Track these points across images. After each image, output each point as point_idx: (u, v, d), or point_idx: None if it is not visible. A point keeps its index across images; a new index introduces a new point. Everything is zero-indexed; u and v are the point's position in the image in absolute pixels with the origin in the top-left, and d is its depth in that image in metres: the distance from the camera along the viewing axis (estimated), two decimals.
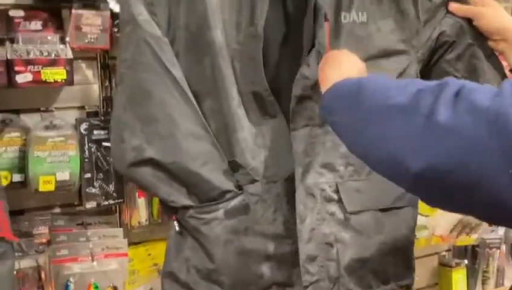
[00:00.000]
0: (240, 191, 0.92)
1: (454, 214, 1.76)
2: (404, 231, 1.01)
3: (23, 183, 1.19)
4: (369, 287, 0.97)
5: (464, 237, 1.79)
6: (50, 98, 1.26)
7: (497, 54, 1.00)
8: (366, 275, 0.97)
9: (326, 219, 0.94)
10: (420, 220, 1.66)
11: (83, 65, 1.28)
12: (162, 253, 1.00)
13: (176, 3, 0.90)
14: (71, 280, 1.20)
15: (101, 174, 1.25)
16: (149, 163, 0.89)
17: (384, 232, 0.98)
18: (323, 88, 0.78)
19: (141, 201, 1.33)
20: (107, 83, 1.29)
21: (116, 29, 1.21)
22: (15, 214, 1.23)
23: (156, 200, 1.34)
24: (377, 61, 0.96)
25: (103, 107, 1.29)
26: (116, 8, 1.20)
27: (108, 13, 1.20)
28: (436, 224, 1.70)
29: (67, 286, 1.20)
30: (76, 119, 1.26)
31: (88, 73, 1.29)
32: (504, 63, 1.01)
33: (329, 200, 0.94)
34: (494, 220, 0.59)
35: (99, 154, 1.25)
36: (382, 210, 0.98)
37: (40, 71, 1.13)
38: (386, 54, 0.97)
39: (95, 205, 1.26)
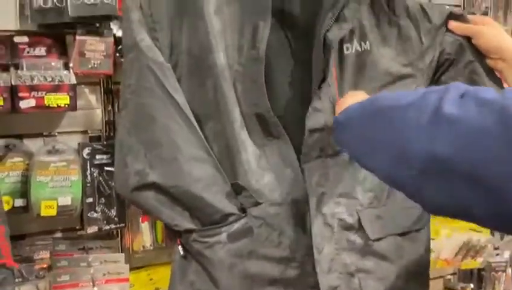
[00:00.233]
0: (244, 214, 0.91)
1: (459, 236, 1.75)
2: (423, 252, 1.00)
3: (25, 208, 1.19)
4: None
5: (469, 260, 1.77)
6: (53, 123, 1.27)
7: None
8: None
9: (345, 249, 0.93)
10: None
11: (86, 90, 1.30)
12: (164, 277, 1.00)
13: (178, 28, 0.91)
14: None
15: (103, 199, 1.25)
16: (152, 187, 0.88)
17: (405, 256, 0.97)
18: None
19: (145, 225, 1.33)
20: (110, 108, 1.30)
21: (119, 55, 1.23)
22: (16, 238, 1.23)
23: (160, 224, 1.33)
24: (384, 87, 0.96)
25: (106, 132, 1.30)
26: (119, 33, 1.22)
27: (111, 39, 1.21)
28: (441, 247, 1.69)
29: None
30: (79, 143, 1.27)
31: (91, 98, 1.30)
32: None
33: (348, 228, 0.93)
34: (495, 221, 0.57)
35: (101, 178, 1.25)
36: (401, 234, 0.97)
37: (43, 97, 1.14)
38: (393, 79, 0.98)
39: (96, 230, 1.26)
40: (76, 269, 1.22)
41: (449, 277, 1.87)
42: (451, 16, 1.01)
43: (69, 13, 1.13)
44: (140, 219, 1.32)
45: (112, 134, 1.29)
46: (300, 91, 0.95)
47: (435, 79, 1.02)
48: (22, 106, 1.13)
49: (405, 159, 0.60)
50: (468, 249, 1.74)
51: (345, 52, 0.95)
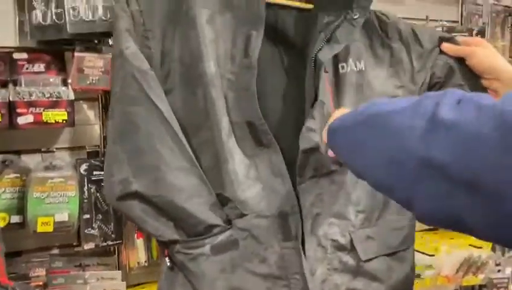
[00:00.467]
0: (229, 226, 0.89)
1: (459, 253, 1.73)
2: (409, 271, 1.01)
3: (22, 225, 1.18)
4: None
5: (471, 277, 1.75)
6: (51, 139, 1.27)
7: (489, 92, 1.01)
8: None
9: (337, 269, 0.93)
10: (425, 259, 1.64)
11: (85, 106, 1.30)
12: None
13: (170, 37, 0.90)
14: None
15: (100, 215, 1.25)
16: (135, 196, 0.87)
17: (393, 276, 0.97)
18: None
19: (140, 242, 1.31)
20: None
21: None
22: (12, 255, 1.22)
23: (155, 240, 1.32)
24: None
25: (104, 148, 1.30)
26: None
27: (110, 56, 1.21)
28: (441, 264, 1.67)
29: None
30: (76, 159, 1.27)
31: (89, 114, 1.31)
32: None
33: (341, 249, 0.93)
34: (489, 230, 0.55)
35: (98, 195, 1.24)
36: (390, 254, 0.98)
37: (41, 113, 1.14)
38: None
39: (93, 246, 1.25)
40: (73, 286, 1.21)
41: None
42: (442, 39, 1.03)
43: (68, 30, 1.14)
44: (136, 235, 1.30)
45: None
46: (291, 106, 0.95)
47: None
48: (19, 122, 1.13)
49: (399, 164, 0.58)
50: (469, 266, 1.72)
51: (340, 71, 0.96)
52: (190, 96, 0.90)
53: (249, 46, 0.88)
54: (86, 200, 1.23)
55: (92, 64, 1.20)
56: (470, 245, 1.72)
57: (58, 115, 1.16)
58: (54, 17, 1.15)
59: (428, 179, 0.55)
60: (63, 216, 1.18)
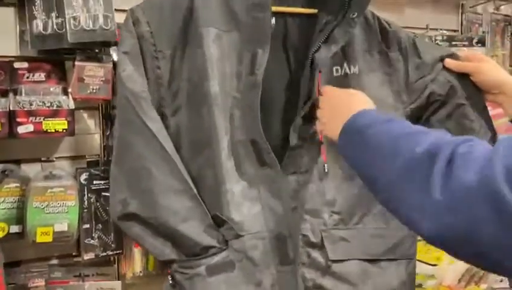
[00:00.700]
0: (225, 247, 0.89)
1: (462, 263, 1.72)
2: (396, 286, 0.98)
3: (21, 235, 1.17)
4: None
5: (473, 287, 1.73)
6: (51, 148, 1.26)
7: (490, 109, 1.02)
8: None
9: (305, 263, 0.92)
10: (427, 269, 1.63)
11: (85, 115, 1.30)
12: None
13: (179, 57, 0.91)
14: None
15: (99, 225, 1.24)
16: (133, 217, 0.88)
17: (370, 283, 0.96)
18: (333, 126, 0.82)
19: (137, 251, 1.30)
20: (108, 133, 1.30)
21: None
22: (11, 265, 1.21)
23: None
24: None
25: (104, 157, 1.29)
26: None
27: (110, 65, 1.22)
28: (443, 273, 1.66)
29: None
30: (76, 169, 1.26)
31: (90, 123, 1.30)
32: (498, 110, 1.02)
33: (310, 245, 0.93)
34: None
35: (98, 204, 1.24)
36: (370, 261, 0.96)
37: (41, 122, 1.14)
38: (379, 105, 0.98)
39: (93, 256, 1.24)
40: None
41: None
42: (444, 56, 1.03)
43: (69, 39, 1.14)
44: (134, 244, 1.29)
45: (110, 159, 1.28)
46: (288, 105, 0.96)
47: (424, 118, 1.04)
48: (19, 131, 1.13)
49: (413, 225, 0.62)
50: (472, 275, 1.71)
51: (334, 74, 0.97)
52: (196, 115, 0.91)
53: (254, 64, 0.89)
54: (85, 210, 1.23)
55: (93, 74, 1.20)
56: None
57: (59, 124, 1.16)
58: (54, 26, 1.16)
59: (441, 246, 0.59)
60: (62, 226, 1.17)
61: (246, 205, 0.90)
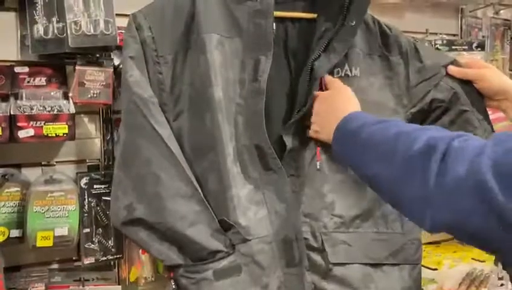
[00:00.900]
0: (232, 251, 0.89)
1: (462, 267, 1.72)
2: (398, 289, 0.98)
3: (21, 239, 1.17)
4: None
5: None
6: (52, 153, 1.26)
7: (490, 113, 1.03)
8: None
9: (306, 266, 0.92)
10: (428, 273, 1.62)
11: (86, 119, 1.30)
12: None
13: (181, 62, 0.92)
14: None
15: (100, 229, 1.24)
16: (139, 223, 0.88)
17: (373, 287, 0.96)
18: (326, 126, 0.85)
19: (145, 257, 1.30)
20: (108, 137, 1.30)
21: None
22: (12, 270, 1.21)
23: None
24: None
25: (104, 161, 1.29)
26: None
27: (111, 69, 1.22)
28: (444, 278, 1.65)
29: None
30: (77, 173, 1.26)
31: (90, 127, 1.31)
32: (499, 114, 1.03)
33: (311, 249, 0.93)
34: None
35: (98, 208, 1.24)
36: (372, 265, 0.96)
37: (42, 126, 1.14)
38: (380, 108, 0.99)
39: (93, 261, 1.24)
40: None
41: None
42: (446, 63, 1.04)
43: (70, 44, 1.14)
44: (141, 250, 1.29)
45: (110, 163, 1.28)
46: (286, 110, 0.96)
47: (427, 123, 1.04)
48: (20, 136, 1.13)
49: (415, 217, 0.66)
50: (472, 280, 1.71)
51: (335, 75, 0.98)
52: (199, 120, 0.91)
53: (257, 71, 0.90)
54: (86, 214, 1.23)
55: (93, 78, 1.20)
56: (472, 259, 1.71)
57: (59, 129, 1.16)
58: (55, 31, 1.16)
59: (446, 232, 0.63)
60: (62, 230, 1.17)
61: (252, 209, 0.90)
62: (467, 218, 0.56)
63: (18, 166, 1.23)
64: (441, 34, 1.76)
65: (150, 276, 1.31)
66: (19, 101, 1.16)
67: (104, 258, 1.24)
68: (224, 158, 0.89)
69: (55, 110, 1.17)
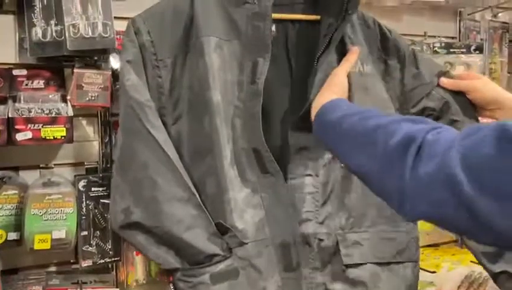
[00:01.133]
0: (229, 255, 0.89)
1: (460, 270, 1.72)
2: (403, 288, 0.99)
3: (19, 242, 1.17)
4: None
5: None
6: (50, 155, 1.26)
7: (483, 120, 1.03)
8: None
9: (319, 269, 0.92)
10: (426, 276, 1.62)
11: (84, 122, 1.30)
12: None
13: (180, 65, 0.92)
14: None
15: (98, 232, 1.24)
16: (137, 226, 0.89)
17: (380, 286, 0.96)
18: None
19: (138, 259, 1.30)
20: (107, 140, 1.30)
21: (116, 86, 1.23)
22: (9, 273, 1.21)
23: None
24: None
25: (102, 164, 1.29)
26: (117, 66, 1.22)
27: (109, 72, 1.22)
28: (442, 280, 1.65)
29: None
30: (75, 176, 1.26)
31: (88, 130, 1.30)
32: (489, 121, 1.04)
33: (326, 250, 0.93)
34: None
35: (96, 211, 1.24)
36: (380, 264, 0.97)
37: (40, 129, 1.14)
38: (387, 107, 1.00)
39: (91, 264, 1.23)
40: None
41: None
42: (439, 73, 1.05)
43: (68, 47, 1.14)
44: (135, 252, 1.29)
45: (108, 166, 1.28)
46: (292, 110, 0.96)
47: None
48: (18, 138, 1.13)
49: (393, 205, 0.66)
50: (471, 282, 1.70)
51: (350, 70, 0.97)
52: (197, 124, 0.91)
53: (255, 73, 0.90)
54: (84, 217, 1.22)
55: (91, 81, 1.20)
56: (471, 262, 1.71)
57: (57, 131, 1.16)
58: (53, 34, 1.16)
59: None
60: (60, 233, 1.17)
61: (249, 212, 0.90)
62: (441, 209, 0.58)
63: (16, 169, 1.23)
64: (439, 36, 1.77)
65: (141, 279, 1.31)
66: (17, 104, 1.16)
67: (102, 261, 1.24)
68: (221, 161, 0.89)
69: (53, 112, 1.17)
